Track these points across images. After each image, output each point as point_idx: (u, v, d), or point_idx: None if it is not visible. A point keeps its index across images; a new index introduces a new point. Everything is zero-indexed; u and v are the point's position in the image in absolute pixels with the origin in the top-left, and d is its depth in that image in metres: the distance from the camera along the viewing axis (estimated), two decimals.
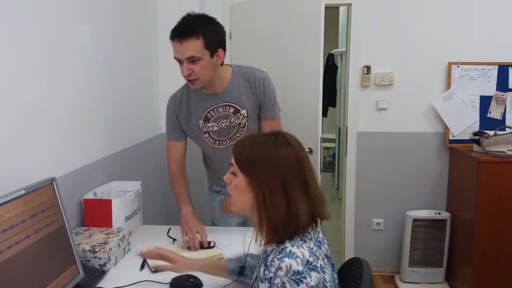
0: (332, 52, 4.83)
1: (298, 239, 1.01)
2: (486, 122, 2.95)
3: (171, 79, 2.30)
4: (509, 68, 2.92)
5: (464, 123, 2.96)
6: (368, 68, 2.95)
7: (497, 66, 2.92)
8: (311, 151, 2.62)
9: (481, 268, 2.61)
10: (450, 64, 2.92)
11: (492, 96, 2.94)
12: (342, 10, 4.26)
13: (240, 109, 1.80)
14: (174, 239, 1.74)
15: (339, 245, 3.27)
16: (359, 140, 3.05)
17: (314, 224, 1.07)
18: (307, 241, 1.02)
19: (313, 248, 1.01)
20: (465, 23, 2.90)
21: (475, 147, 2.75)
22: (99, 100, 1.85)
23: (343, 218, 3.17)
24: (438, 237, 2.93)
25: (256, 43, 2.68)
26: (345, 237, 3.16)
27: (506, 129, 2.78)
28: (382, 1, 2.91)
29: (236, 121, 1.81)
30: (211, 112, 1.80)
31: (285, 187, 1.01)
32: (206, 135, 1.84)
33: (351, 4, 2.90)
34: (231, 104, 1.79)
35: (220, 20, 2.79)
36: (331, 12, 4.22)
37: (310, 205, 1.03)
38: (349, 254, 3.13)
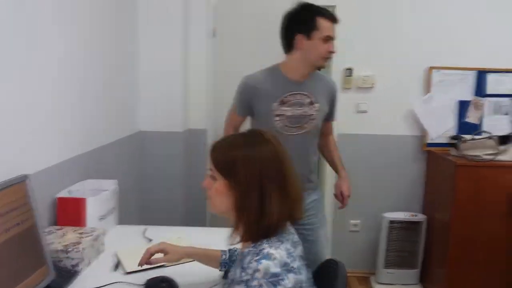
0: None
1: (276, 240, 1.00)
2: (464, 127, 3.00)
3: (151, 77, 2.26)
4: (487, 74, 2.97)
5: (442, 127, 3.00)
6: (350, 70, 2.97)
7: (475, 72, 2.97)
8: None
9: (455, 271, 2.66)
10: (430, 68, 2.96)
11: (470, 101, 3.00)
12: None
13: (315, 102, 1.94)
14: (151, 240, 1.71)
15: None
16: (339, 141, 3.01)
17: (289, 224, 1.07)
18: (284, 242, 1.01)
19: (290, 249, 1.00)
20: (446, 28, 2.95)
21: (453, 151, 2.80)
22: (74, 95, 1.80)
23: None
24: (414, 239, 2.97)
25: (242, 41, 2.67)
26: None
27: (483, 133, 2.83)
28: (366, 4, 2.94)
29: (309, 112, 1.94)
30: (289, 97, 1.91)
31: (264, 184, 1.01)
32: (277, 118, 1.92)
33: (335, 6, 2.90)
34: (308, 94, 1.93)
35: (203, 17, 2.78)
36: None
37: (287, 202, 1.03)
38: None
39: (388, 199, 3.11)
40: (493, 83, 2.99)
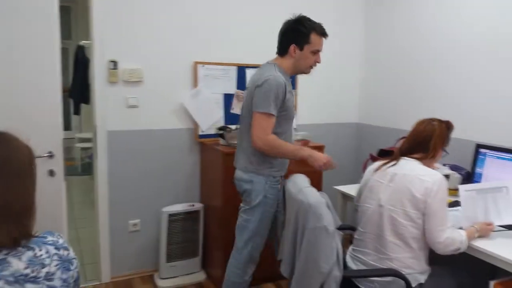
0: (81, 43, 4.47)
1: None
2: (230, 117, 3.23)
3: None
4: (246, 68, 3.27)
5: (210, 118, 3.16)
6: (115, 63, 2.81)
7: (236, 67, 3.23)
8: (51, 155, 2.35)
9: (228, 251, 2.78)
10: (195, 63, 3.06)
11: (233, 94, 3.24)
12: None
13: None
14: None
15: (95, 254, 3.04)
16: (111, 139, 2.89)
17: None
18: None
19: None
20: (208, 25, 3.10)
21: (221, 140, 2.97)
22: None
23: (97, 224, 2.95)
24: (194, 228, 3.06)
25: None
26: (100, 244, 2.94)
27: None
28: None
29: None
30: (292, 90, 2.28)
31: None
32: (294, 109, 2.31)
33: None
34: None
35: None
36: (85, 1, 3.90)
37: None
38: (105, 262, 2.95)
39: (166, 193, 3.11)
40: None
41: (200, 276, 3.09)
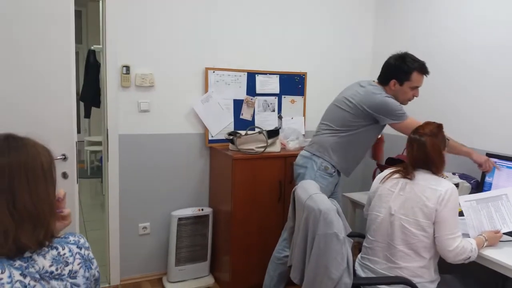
0: (93, 48, 4.52)
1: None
2: (239, 123, 3.26)
3: None
4: (256, 75, 3.30)
5: (221, 124, 3.19)
6: (127, 68, 2.85)
7: (246, 73, 3.26)
8: (65, 158, 2.39)
9: (237, 256, 2.86)
10: (206, 69, 3.10)
11: (243, 100, 3.27)
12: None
13: None
14: None
15: (105, 257, 3.06)
16: (122, 143, 2.92)
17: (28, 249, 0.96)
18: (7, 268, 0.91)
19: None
20: (219, 32, 3.13)
21: (230, 146, 3.00)
22: None
23: (107, 226, 2.98)
24: (202, 232, 3.08)
25: None
26: (109, 247, 2.97)
27: (256, 129, 3.13)
28: (139, 1, 2.86)
29: None
30: None
31: None
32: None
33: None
34: None
35: None
36: (96, 6, 3.96)
37: (8, 223, 0.93)
38: (114, 264, 2.97)
39: (176, 198, 3.13)
40: (261, 84, 3.33)
41: (209, 280, 3.11)
